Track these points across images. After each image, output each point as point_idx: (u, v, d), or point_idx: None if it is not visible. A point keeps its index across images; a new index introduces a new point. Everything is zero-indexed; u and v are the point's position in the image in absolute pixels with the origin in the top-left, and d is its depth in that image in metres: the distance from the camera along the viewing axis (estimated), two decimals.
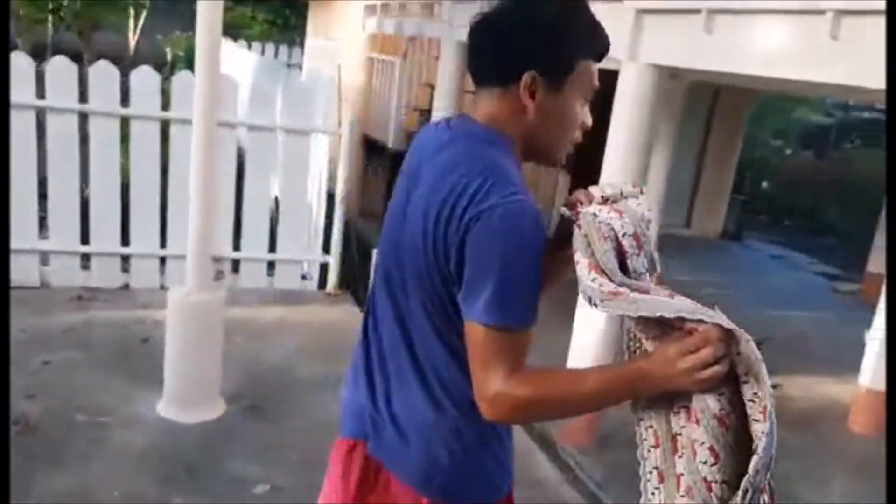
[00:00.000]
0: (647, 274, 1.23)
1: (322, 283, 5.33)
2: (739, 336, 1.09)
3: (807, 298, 7.91)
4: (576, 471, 3.65)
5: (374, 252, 5.25)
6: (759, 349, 1.10)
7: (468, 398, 1.23)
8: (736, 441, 1.10)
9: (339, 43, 8.59)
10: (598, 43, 1.28)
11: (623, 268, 1.20)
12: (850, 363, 5.72)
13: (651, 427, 1.19)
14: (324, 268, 5.31)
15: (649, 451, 1.19)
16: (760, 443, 1.05)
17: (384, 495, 1.37)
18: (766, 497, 1.11)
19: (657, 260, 1.26)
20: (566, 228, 1.28)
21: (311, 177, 5.27)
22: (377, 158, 8.48)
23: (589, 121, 1.32)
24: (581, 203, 1.26)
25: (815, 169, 15.18)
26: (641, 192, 1.27)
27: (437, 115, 6.59)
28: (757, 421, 1.07)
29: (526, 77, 1.23)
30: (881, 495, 4.43)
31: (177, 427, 3.41)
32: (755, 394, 1.08)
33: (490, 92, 1.29)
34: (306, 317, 4.79)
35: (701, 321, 1.10)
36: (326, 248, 5.27)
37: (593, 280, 1.16)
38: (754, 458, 1.05)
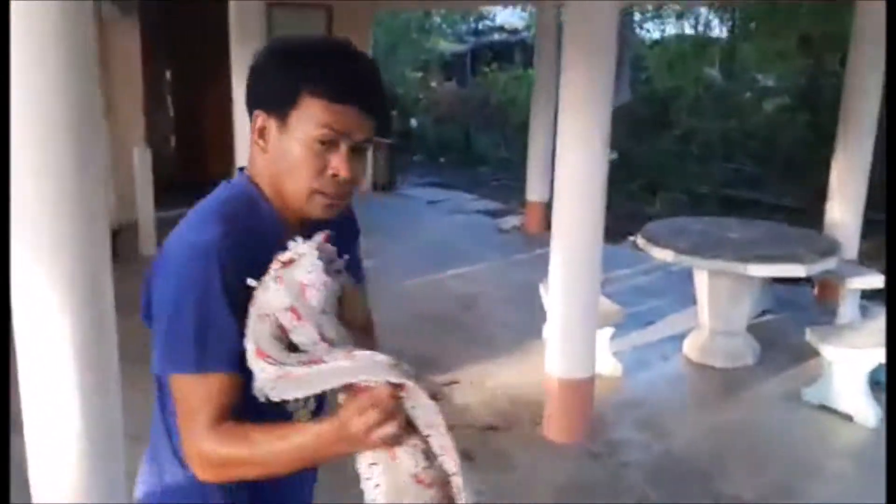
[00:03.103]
0: (322, 341, 1.08)
1: None
2: (413, 390, 1.05)
3: (471, 248, 6.83)
4: None
5: None
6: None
7: (178, 477, 1.22)
8: (444, 493, 1.09)
9: None
10: (326, 78, 1.14)
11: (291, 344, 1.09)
12: (532, 332, 4.57)
13: (378, 485, 1.10)
14: None
15: None
16: (461, 499, 1.07)
17: None
18: None
19: (333, 323, 1.10)
20: None
21: None
22: None
23: (344, 171, 1.16)
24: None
25: (459, 98, 14.66)
26: (317, 248, 1.11)
27: None
28: (455, 474, 1.07)
29: (254, 117, 1.20)
30: None
31: None
32: (441, 446, 1.07)
33: None
34: None
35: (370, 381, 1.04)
36: None
37: (261, 370, 1.07)
38: None
